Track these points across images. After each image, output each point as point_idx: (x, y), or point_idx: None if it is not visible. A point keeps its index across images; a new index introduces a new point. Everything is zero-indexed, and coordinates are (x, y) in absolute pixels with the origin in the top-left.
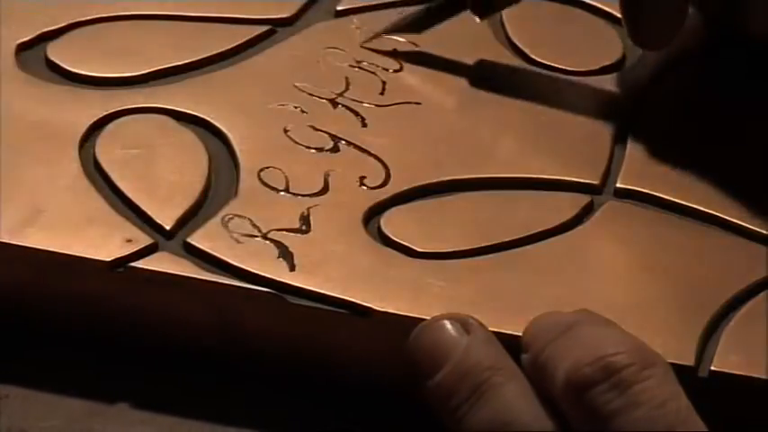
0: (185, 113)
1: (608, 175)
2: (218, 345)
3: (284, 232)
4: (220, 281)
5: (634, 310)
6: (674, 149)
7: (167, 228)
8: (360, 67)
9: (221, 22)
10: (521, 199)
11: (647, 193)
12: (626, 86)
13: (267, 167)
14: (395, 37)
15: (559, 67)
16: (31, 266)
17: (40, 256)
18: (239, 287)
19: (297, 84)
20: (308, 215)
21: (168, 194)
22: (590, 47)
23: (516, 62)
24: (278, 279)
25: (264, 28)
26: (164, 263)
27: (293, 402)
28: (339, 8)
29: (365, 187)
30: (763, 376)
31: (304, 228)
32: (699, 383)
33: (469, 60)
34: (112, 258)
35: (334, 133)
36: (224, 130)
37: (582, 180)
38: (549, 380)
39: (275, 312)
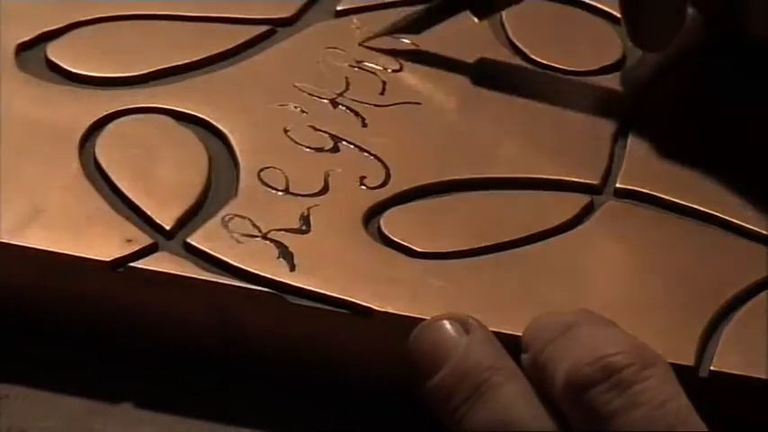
0: (185, 113)
1: (608, 175)
2: (218, 345)
3: (284, 232)
4: (220, 281)
5: (634, 310)
6: (674, 149)
7: (167, 228)
8: (360, 67)
9: (221, 22)
10: (521, 199)
11: (647, 193)
12: (626, 86)
13: (267, 167)
14: (395, 37)
15: (559, 67)
16: (31, 266)
17: (40, 256)
18: (239, 287)
19: (297, 84)
20: (308, 215)
21: (168, 194)
22: (590, 47)
23: (516, 62)
24: (278, 279)
25: (264, 28)
26: (164, 263)
27: (293, 402)
28: (339, 8)
29: (365, 187)
30: (763, 376)
31: (304, 228)
32: (699, 383)
33: (470, 61)
34: (112, 258)
35: (334, 133)
36: (224, 130)
37: (582, 180)
38: (549, 380)
39: (275, 312)
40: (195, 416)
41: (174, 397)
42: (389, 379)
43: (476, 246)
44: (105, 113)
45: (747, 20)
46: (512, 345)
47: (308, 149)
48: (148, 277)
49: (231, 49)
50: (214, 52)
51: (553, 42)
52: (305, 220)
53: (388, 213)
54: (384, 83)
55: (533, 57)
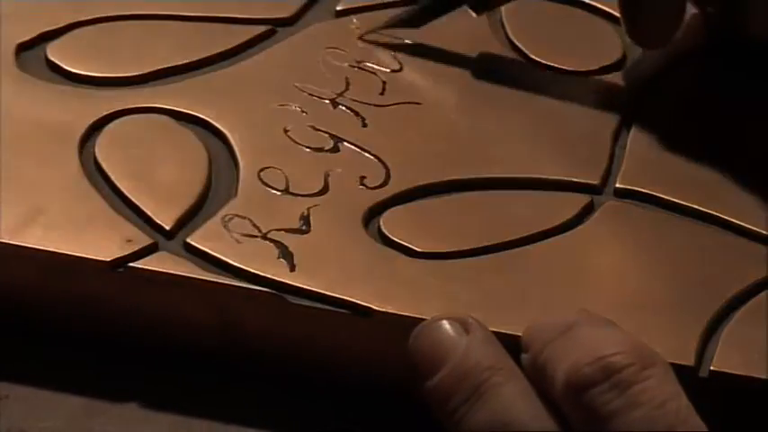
0: (185, 113)
1: (608, 175)
2: (218, 344)
3: (284, 232)
4: (220, 281)
5: (634, 310)
6: (674, 149)
7: (167, 228)
8: (360, 67)
9: (221, 22)
10: (521, 199)
11: (647, 193)
12: (626, 86)
13: (267, 167)
14: (395, 37)
15: (559, 67)
16: (31, 266)
17: (40, 256)
18: (239, 287)
19: (297, 84)
20: (308, 215)
21: (168, 194)
22: (590, 47)
23: (516, 62)
24: (278, 279)
25: (264, 28)
26: (164, 263)
27: (293, 402)
28: (339, 8)
29: (365, 187)
30: (763, 376)
31: (304, 228)
32: (699, 383)
33: (470, 60)
34: (112, 258)
35: (334, 133)
36: (224, 130)
37: (582, 180)
38: (549, 380)
39: (275, 312)
40: (195, 416)
41: (175, 397)
42: (389, 379)
43: (476, 246)
44: (105, 113)
45: (748, 19)
46: (512, 345)
47: (308, 149)
48: (148, 277)
49: (231, 49)
50: (214, 52)
51: (553, 42)
52: (305, 220)
53: (388, 213)
54: (384, 83)
55: (533, 57)
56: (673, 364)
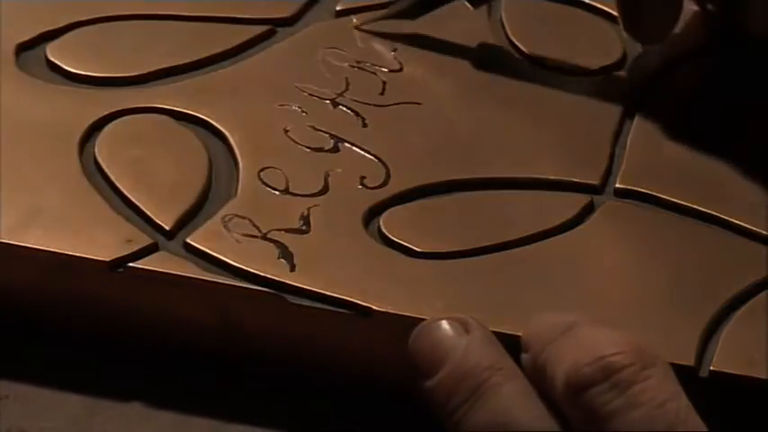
0: (185, 113)
1: (608, 175)
2: (218, 344)
3: (284, 232)
4: (220, 281)
5: (634, 311)
6: (675, 149)
7: (167, 228)
8: (360, 67)
9: (221, 22)
10: (521, 199)
11: (647, 193)
12: (626, 85)
13: (267, 167)
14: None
15: (559, 66)
16: (31, 266)
17: (40, 256)
18: (239, 287)
19: (297, 84)
20: (308, 215)
21: (168, 194)
22: (590, 47)
23: (516, 62)
24: (278, 279)
25: (264, 28)
26: (164, 263)
27: (293, 402)
28: (339, 8)
29: (365, 187)
30: (763, 376)
31: (304, 228)
32: (699, 383)
33: (470, 60)
34: (112, 258)
35: (334, 133)
36: (224, 130)
37: (582, 180)
38: (549, 380)
39: (275, 312)
40: (196, 415)
41: (175, 397)
42: (389, 379)
43: (476, 246)
44: (105, 113)
45: (747, 17)
46: (512, 345)
47: (307, 149)
48: (148, 277)
49: (231, 49)
50: (214, 52)
51: (553, 42)
52: (305, 220)
53: (387, 213)
54: (384, 83)
55: (533, 56)
56: (673, 364)
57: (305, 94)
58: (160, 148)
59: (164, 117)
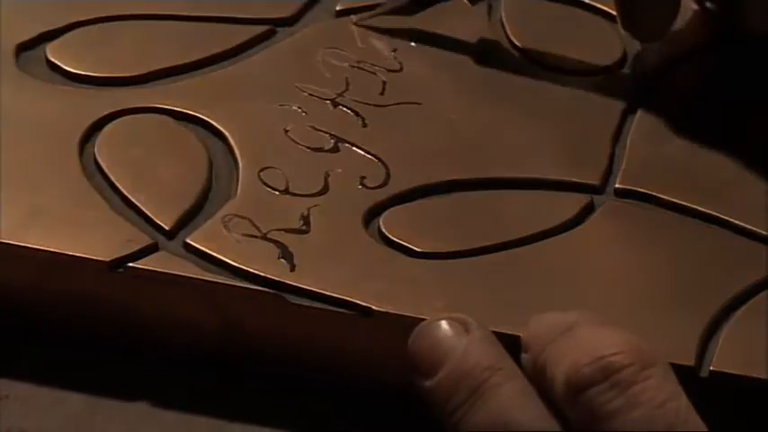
0: (185, 113)
1: (608, 175)
2: (218, 344)
3: (284, 232)
4: (221, 281)
5: (634, 310)
6: (675, 148)
7: (167, 228)
8: (360, 67)
9: (221, 22)
10: (521, 199)
11: (647, 193)
12: (626, 85)
13: (267, 167)
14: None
15: (559, 66)
16: (31, 266)
17: (40, 256)
18: (240, 287)
19: (297, 84)
20: (308, 215)
21: (168, 194)
22: (590, 47)
23: (516, 62)
24: (278, 279)
25: (264, 28)
26: (164, 263)
27: (294, 402)
28: (339, 8)
29: (365, 187)
30: (763, 376)
31: (304, 228)
32: (699, 383)
33: (470, 60)
34: (112, 258)
35: (334, 133)
36: (224, 130)
37: (582, 180)
38: (549, 380)
39: (275, 312)
40: (196, 415)
41: (175, 396)
42: (389, 379)
43: (476, 246)
44: (105, 113)
45: (745, 15)
46: (512, 345)
47: (308, 149)
48: (149, 277)
49: (231, 49)
50: (214, 52)
51: (553, 42)
52: (305, 220)
53: (387, 213)
54: (384, 83)
55: (533, 56)
56: (673, 364)
57: (305, 94)
58: (160, 148)
59: (164, 117)
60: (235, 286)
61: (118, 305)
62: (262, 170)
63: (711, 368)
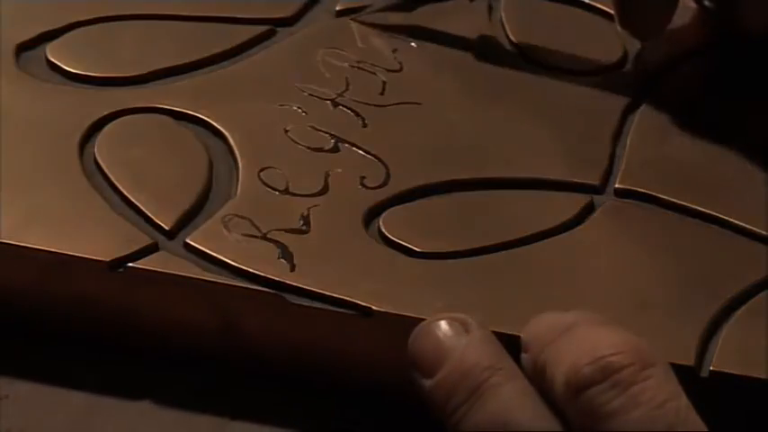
0: (185, 113)
1: (608, 175)
2: (218, 344)
3: (284, 232)
4: (221, 281)
5: (634, 310)
6: (675, 148)
7: (167, 228)
8: (360, 67)
9: (221, 22)
10: (521, 199)
11: (647, 193)
12: (626, 85)
13: (267, 167)
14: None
15: (559, 66)
16: (31, 266)
17: (40, 256)
18: (240, 287)
19: (297, 84)
20: (308, 215)
21: (168, 194)
22: (590, 47)
23: (516, 62)
24: (278, 279)
25: (264, 28)
26: (164, 263)
27: (293, 402)
28: (339, 8)
29: (365, 187)
30: (763, 376)
31: (304, 228)
32: (699, 383)
33: (469, 60)
34: (112, 258)
35: (334, 133)
36: (224, 130)
37: (582, 180)
38: (549, 380)
39: (275, 312)
40: (196, 415)
41: (176, 396)
42: (389, 379)
43: (476, 246)
44: (105, 113)
45: (742, 15)
46: (512, 345)
47: (308, 149)
48: (148, 277)
49: (231, 49)
50: (214, 52)
51: (553, 42)
52: (305, 220)
53: (387, 213)
54: (384, 83)
55: (533, 56)
56: (673, 364)
57: (305, 94)
58: (160, 148)
59: (164, 117)
60: (235, 286)
61: (118, 305)
62: (262, 170)
63: (711, 368)
